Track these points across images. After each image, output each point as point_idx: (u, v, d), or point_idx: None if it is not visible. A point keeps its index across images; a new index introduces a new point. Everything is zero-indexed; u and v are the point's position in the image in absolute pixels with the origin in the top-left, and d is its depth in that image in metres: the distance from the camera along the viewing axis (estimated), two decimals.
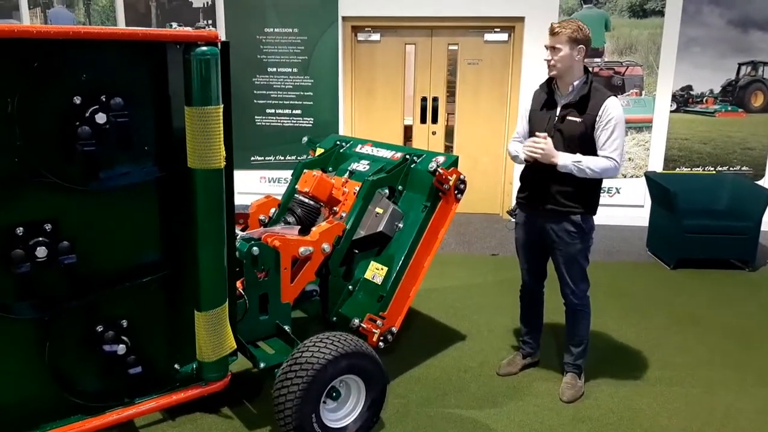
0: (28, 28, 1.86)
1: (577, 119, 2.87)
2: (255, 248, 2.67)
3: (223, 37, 2.18)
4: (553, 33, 2.84)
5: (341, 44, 6.38)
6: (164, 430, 2.82)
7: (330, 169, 3.51)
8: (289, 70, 6.44)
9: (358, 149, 3.53)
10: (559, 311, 3.29)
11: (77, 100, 2.01)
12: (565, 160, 2.83)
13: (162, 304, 2.40)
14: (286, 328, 2.82)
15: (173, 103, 2.23)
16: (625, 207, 6.44)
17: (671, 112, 6.36)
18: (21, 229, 2.01)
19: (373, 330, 2.88)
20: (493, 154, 6.79)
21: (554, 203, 2.95)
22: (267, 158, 6.67)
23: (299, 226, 3.09)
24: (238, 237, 2.75)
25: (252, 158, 6.63)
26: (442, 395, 3.15)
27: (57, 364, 2.20)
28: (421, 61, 6.67)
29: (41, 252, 2.03)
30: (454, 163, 3.11)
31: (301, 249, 2.81)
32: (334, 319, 3.04)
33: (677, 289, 4.70)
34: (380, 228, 3.03)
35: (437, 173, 3.00)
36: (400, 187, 3.19)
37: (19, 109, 1.94)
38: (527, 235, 3.17)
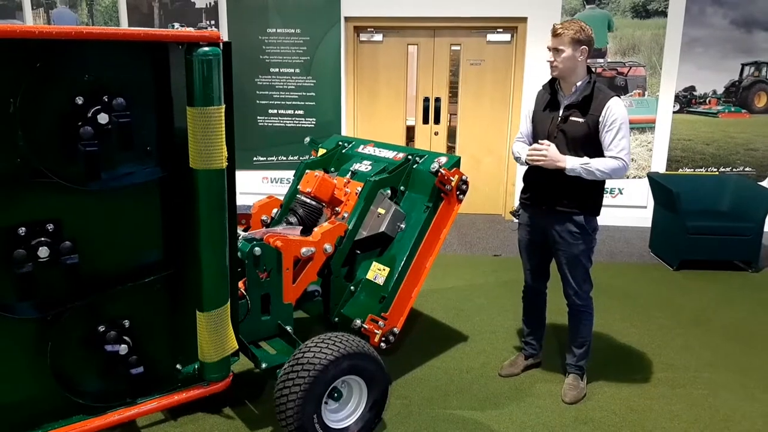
0: (30, 29, 1.87)
1: (580, 120, 2.86)
2: (257, 249, 2.67)
3: (225, 38, 2.18)
4: (555, 34, 2.84)
5: (344, 45, 6.38)
6: (166, 430, 2.83)
7: (332, 169, 3.51)
8: (292, 70, 6.44)
9: (360, 150, 3.53)
10: (561, 312, 3.29)
11: (79, 100, 2.01)
12: (573, 163, 2.82)
13: (164, 304, 2.40)
14: (288, 328, 2.82)
15: (175, 103, 2.23)
16: (627, 208, 6.43)
17: (674, 112, 6.35)
18: (23, 229, 2.01)
19: (375, 331, 2.87)
20: (495, 155, 6.78)
21: (557, 204, 2.95)
22: (269, 158, 6.67)
23: (301, 227, 3.09)
24: (240, 237, 2.75)
25: (254, 158, 6.63)
26: (443, 396, 3.15)
27: (59, 364, 2.20)
28: (423, 61, 6.67)
29: (43, 252, 2.03)
30: (457, 163, 3.10)
31: (303, 249, 2.81)
32: (336, 319, 3.04)
33: (680, 291, 4.69)
34: (382, 228, 3.03)
35: (439, 174, 3.00)
36: (402, 188, 3.18)
37: (21, 110, 1.94)
38: (530, 235, 3.16)
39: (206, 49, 2.12)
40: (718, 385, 3.32)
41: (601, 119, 2.82)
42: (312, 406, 2.46)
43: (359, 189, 3.12)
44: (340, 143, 3.64)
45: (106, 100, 2.04)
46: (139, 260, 2.31)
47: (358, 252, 3.08)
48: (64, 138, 2.02)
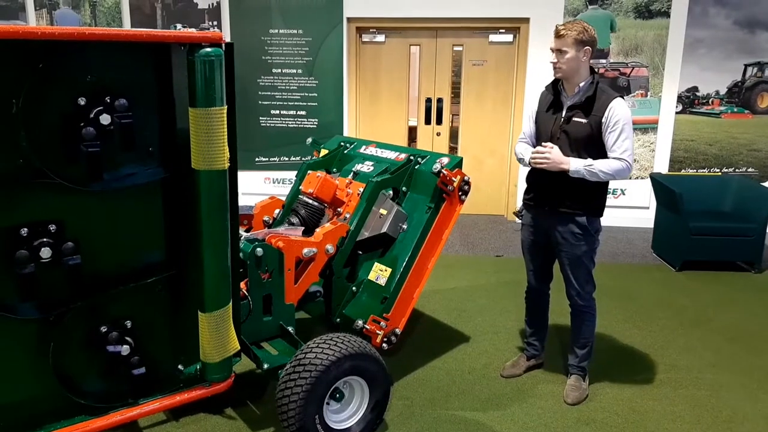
0: (33, 29, 1.87)
1: (583, 120, 2.86)
2: (259, 249, 2.67)
3: (228, 39, 2.19)
4: (558, 35, 2.83)
5: (346, 45, 6.38)
6: (168, 430, 2.83)
7: (334, 170, 3.51)
8: (294, 71, 6.45)
9: (362, 150, 3.53)
10: (563, 313, 3.28)
11: (82, 101, 2.01)
12: (576, 165, 2.82)
13: (166, 304, 2.40)
14: (290, 329, 2.82)
15: (177, 104, 2.23)
16: (630, 208, 6.43)
17: (677, 113, 6.34)
18: (25, 229, 2.01)
19: (377, 331, 2.88)
20: (497, 156, 6.78)
21: (560, 205, 2.95)
22: (271, 159, 6.68)
23: (303, 227, 3.09)
24: (242, 238, 2.76)
25: (256, 159, 6.64)
26: (445, 397, 3.15)
27: (61, 365, 2.20)
28: (425, 62, 6.67)
29: (46, 253, 2.03)
30: (459, 164, 3.10)
31: (305, 250, 2.81)
32: (338, 320, 3.04)
33: (682, 291, 4.68)
34: (384, 229, 3.03)
35: (441, 174, 2.99)
36: (404, 189, 3.18)
37: (23, 110, 1.94)
38: (533, 236, 3.16)
39: (208, 49, 2.12)
40: (720, 386, 3.31)
41: (604, 120, 2.82)
42: (314, 406, 2.46)
43: (361, 190, 3.12)
44: (342, 144, 3.64)
45: (109, 100, 2.04)
46: (141, 261, 2.31)
47: (360, 253, 3.08)
48: (67, 139, 2.02)
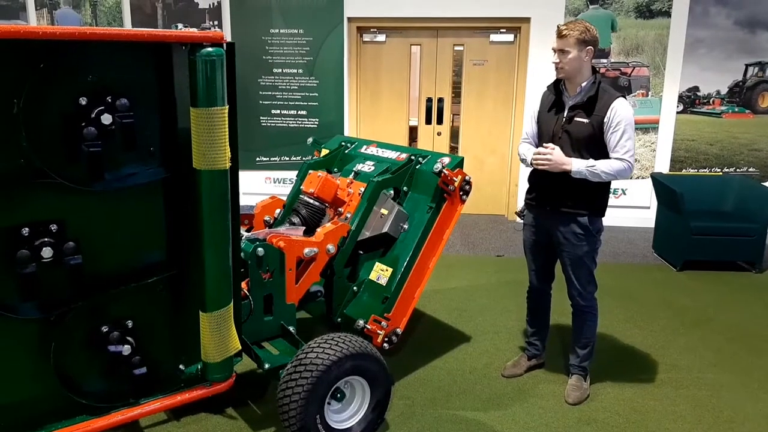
0: (34, 29, 1.87)
1: (585, 120, 2.86)
2: (260, 249, 2.67)
3: (228, 38, 2.18)
4: (560, 36, 2.82)
5: (346, 45, 6.38)
6: (169, 430, 2.83)
7: (335, 169, 3.51)
8: (295, 70, 6.45)
9: (363, 150, 3.53)
10: (564, 312, 3.28)
11: (83, 100, 2.01)
12: (578, 166, 2.82)
13: (167, 304, 2.40)
14: (291, 329, 2.82)
15: (179, 104, 2.23)
16: (631, 208, 6.42)
17: (678, 113, 6.34)
18: (27, 229, 2.01)
19: (378, 331, 2.88)
20: (498, 155, 6.78)
21: (562, 205, 2.94)
22: (272, 159, 6.68)
23: (304, 227, 3.09)
24: (243, 238, 2.76)
25: (257, 159, 6.64)
26: (446, 396, 3.15)
27: (62, 365, 2.20)
28: (426, 61, 6.67)
29: (47, 252, 2.03)
30: (460, 164, 3.10)
31: (306, 250, 2.81)
32: (339, 320, 3.04)
33: (683, 291, 4.68)
34: (385, 229, 3.03)
35: (442, 174, 2.99)
36: (405, 188, 3.18)
37: (24, 110, 1.94)
38: (535, 236, 3.16)
39: (210, 49, 2.12)
40: (721, 386, 3.31)
41: (606, 120, 2.82)
42: (315, 406, 2.46)
43: (362, 189, 3.12)
44: (343, 144, 3.64)
45: (110, 100, 2.04)
46: (143, 261, 2.31)
47: (361, 252, 3.08)
48: (68, 138, 2.02)
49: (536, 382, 3.30)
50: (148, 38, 2.09)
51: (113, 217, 2.20)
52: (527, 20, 6.25)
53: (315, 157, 3.68)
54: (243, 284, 2.68)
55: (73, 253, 2.09)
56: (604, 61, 6.20)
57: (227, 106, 2.19)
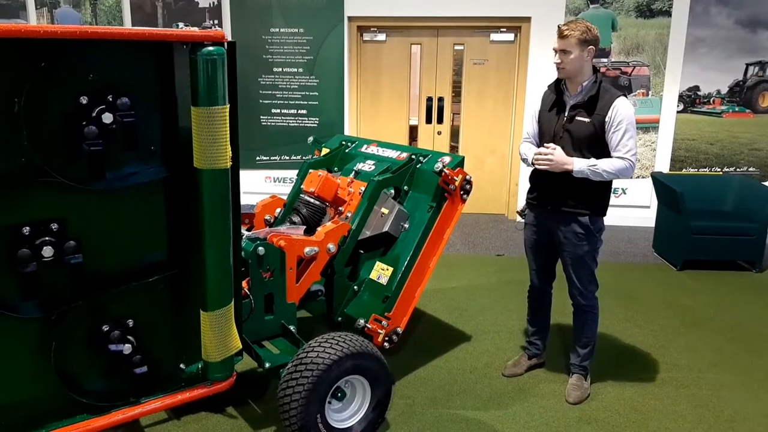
0: (35, 28, 1.86)
1: (586, 119, 2.85)
2: (260, 248, 2.67)
3: (228, 37, 2.18)
4: (562, 36, 2.82)
5: (347, 44, 6.38)
6: (169, 429, 2.83)
7: (335, 169, 3.51)
8: (295, 70, 6.45)
9: (363, 149, 3.52)
10: (564, 312, 3.28)
11: (84, 99, 2.00)
12: (580, 165, 2.81)
13: (168, 303, 2.40)
14: (292, 328, 2.82)
15: (180, 103, 2.23)
16: (631, 208, 6.42)
17: (678, 112, 6.33)
18: (27, 228, 2.01)
19: (379, 330, 2.88)
20: (498, 155, 6.77)
21: (563, 204, 2.94)
22: (272, 158, 6.68)
23: (305, 226, 3.09)
24: (243, 237, 2.75)
25: (257, 158, 6.63)
26: (447, 396, 3.15)
27: (63, 364, 2.20)
28: (426, 61, 6.67)
29: (48, 251, 2.03)
30: (460, 163, 3.10)
31: (307, 249, 2.81)
32: (340, 319, 3.04)
33: (684, 291, 4.68)
34: (386, 228, 3.03)
35: (443, 173, 2.99)
36: (405, 188, 3.18)
37: (25, 109, 1.94)
38: (536, 235, 3.16)
39: (211, 48, 2.11)
40: (721, 385, 3.31)
41: (607, 119, 2.81)
42: (315, 405, 2.46)
43: (363, 189, 3.12)
44: (344, 143, 3.64)
45: (111, 99, 2.04)
46: (143, 260, 2.31)
47: (362, 252, 3.08)
48: (69, 137, 2.01)
49: (537, 382, 3.30)
50: (149, 37, 2.09)
51: (114, 216, 2.20)
52: (528, 20, 6.25)
53: (315, 157, 3.67)
54: (244, 283, 2.68)
55: (73, 252, 2.08)
56: (605, 60, 6.19)
57: (228, 105, 2.19)
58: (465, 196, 3.11)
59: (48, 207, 2.05)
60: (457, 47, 6.61)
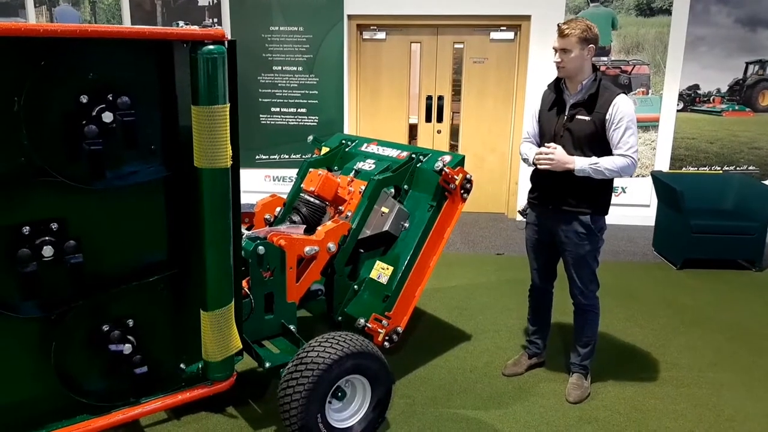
0: (35, 27, 1.86)
1: (586, 118, 2.85)
2: (261, 247, 2.66)
3: (228, 36, 2.17)
4: (562, 35, 2.81)
5: (346, 43, 6.37)
6: (169, 429, 2.82)
7: (335, 168, 3.51)
8: (295, 68, 6.44)
9: (363, 148, 3.52)
10: (564, 311, 3.28)
11: (84, 98, 2.00)
12: (581, 164, 2.81)
13: (168, 303, 2.40)
14: (292, 327, 2.82)
15: (180, 102, 2.22)
16: (631, 206, 6.42)
17: (678, 111, 6.33)
18: (27, 228, 2.01)
19: (379, 330, 2.87)
20: (498, 153, 6.77)
21: (564, 204, 2.94)
22: (272, 157, 6.67)
23: (305, 225, 3.08)
24: (243, 236, 2.75)
25: (257, 157, 6.63)
26: (447, 395, 3.15)
27: (63, 364, 2.19)
28: (426, 59, 6.66)
29: (48, 251, 2.02)
30: (461, 162, 3.09)
31: (307, 248, 2.81)
32: (340, 318, 3.04)
33: (683, 290, 4.68)
34: (386, 227, 3.02)
35: (443, 172, 2.99)
36: (405, 187, 3.17)
37: (25, 108, 1.93)
38: (537, 234, 3.15)
39: (211, 47, 2.11)
40: (722, 384, 3.31)
41: (607, 117, 2.81)
42: (316, 405, 2.46)
43: (363, 188, 3.11)
44: (343, 142, 3.63)
45: (111, 98, 2.03)
46: (144, 259, 2.30)
47: (362, 251, 3.07)
48: (69, 137, 2.01)
49: (537, 381, 3.30)
50: (149, 36, 2.08)
51: (114, 215, 2.20)
52: (527, 18, 6.24)
53: (315, 155, 3.67)
54: (244, 283, 2.68)
55: (73, 251, 2.08)
56: (605, 59, 6.19)
57: (228, 104, 2.18)
58: (465, 195, 3.10)
59: (48, 206, 2.05)
60: (456, 46, 6.60)
